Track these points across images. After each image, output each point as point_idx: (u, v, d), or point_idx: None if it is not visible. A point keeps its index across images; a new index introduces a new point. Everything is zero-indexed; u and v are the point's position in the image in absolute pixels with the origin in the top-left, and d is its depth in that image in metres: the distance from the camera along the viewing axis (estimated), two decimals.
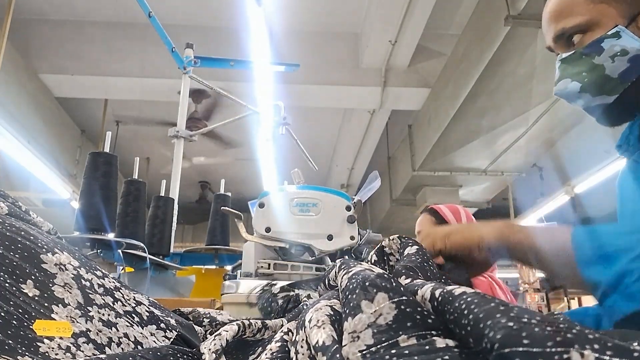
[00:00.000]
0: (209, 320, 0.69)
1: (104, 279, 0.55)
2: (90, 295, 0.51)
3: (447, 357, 0.32)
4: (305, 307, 0.62)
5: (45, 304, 0.46)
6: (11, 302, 0.43)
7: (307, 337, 0.40)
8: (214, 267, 2.37)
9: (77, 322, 0.47)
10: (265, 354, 0.44)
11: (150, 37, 3.25)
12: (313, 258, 0.99)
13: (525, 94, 4.12)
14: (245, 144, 5.83)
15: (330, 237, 0.96)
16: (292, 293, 0.79)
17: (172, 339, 0.56)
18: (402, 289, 0.39)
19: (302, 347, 0.41)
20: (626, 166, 0.86)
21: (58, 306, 0.47)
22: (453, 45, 4.63)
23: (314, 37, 4.90)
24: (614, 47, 0.76)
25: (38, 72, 4.80)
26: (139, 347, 0.50)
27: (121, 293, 0.56)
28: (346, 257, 1.04)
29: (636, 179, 0.81)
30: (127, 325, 0.52)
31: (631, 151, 0.82)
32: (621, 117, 0.82)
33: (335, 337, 0.37)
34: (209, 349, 0.48)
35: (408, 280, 0.47)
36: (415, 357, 0.32)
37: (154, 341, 0.54)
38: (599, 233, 0.65)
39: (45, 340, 0.43)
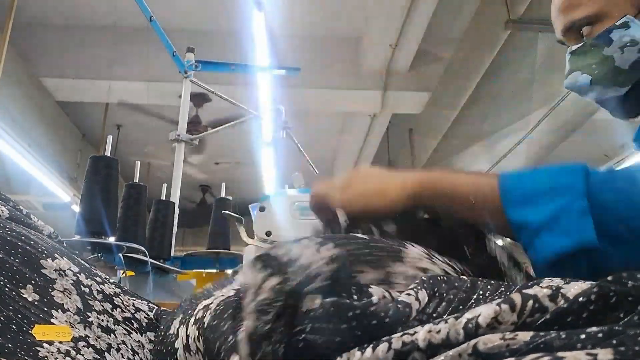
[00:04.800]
0: None
1: (103, 285, 0.55)
2: (89, 301, 0.51)
3: None
4: None
5: (45, 309, 0.46)
6: (11, 307, 0.43)
7: None
8: (214, 270, 2.36)
9: (76, 327, 0.47)
10: None
11: (151, 41, 3.26)
12: None
13: (526, 98, 4.12)
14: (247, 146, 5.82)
15: None
16: None
17: None
18: None
19: None
20: None
21: (57, 311, 0.47)
22: (454, 49, 4.63)
23: (315, 41, 4.91)
24: (623, 37, 0.73)
25: (39, 75, 4.81)
26: (137, 356, 0.50)
27: (120, 299, 0.56)
28: None
29: None
30: (125, 334, 0.52)
31: None
32: (635, 109, 0.78)
33: None
34: None
35: None
36: None
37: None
38: (529, 174, 0.57)
39: (45, 345, 0.43)
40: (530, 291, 0.29)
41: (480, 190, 0.55)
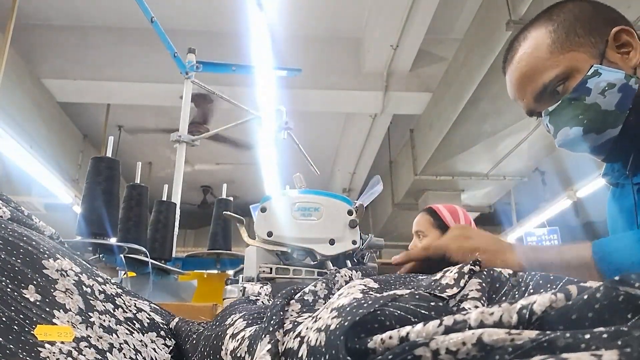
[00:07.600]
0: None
1: (105, 285, 0.55)
2: (91, 301, 0.51)
3: None
4: None
5: (47, 309, 0.46)
6: (13, 307, 0.43)
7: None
8: (215, 271, 2.36)
9: (78, 328, 0.47)
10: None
11: (152, 42, 3.27)
12: (315, 262, 0.98)
13: None
14: (250, 147, 5.81)
15: (332, 242, 0.96)
16: None
17: (171, 347, 0.56)
18: None
19: None
20: (610, 194, 0.89)
21: (59, 311, 0.46)
22: (455, 50, 4.63)
23: (316, 42, 4.91)
24: (600, 83, 0.77)
25: (41, 77, 4.82)
26: (139, 355, 0.50)
27: (122, 299, 0.56)
28: (348, 261, 1.03)
29: (621, 203, 0.84)
30: (127, 333, 0.52)
31: (617, 176, 0.84)
32: (628, 148, 0.80)
33: None
34: None
35: None
36: None
37: (154, 348, 0.54)
38: (620, 242, 0.66)
39: (47, 345, 0.43)
40: (587, 284, 0.30)
41: (581, 264, 0.68)
